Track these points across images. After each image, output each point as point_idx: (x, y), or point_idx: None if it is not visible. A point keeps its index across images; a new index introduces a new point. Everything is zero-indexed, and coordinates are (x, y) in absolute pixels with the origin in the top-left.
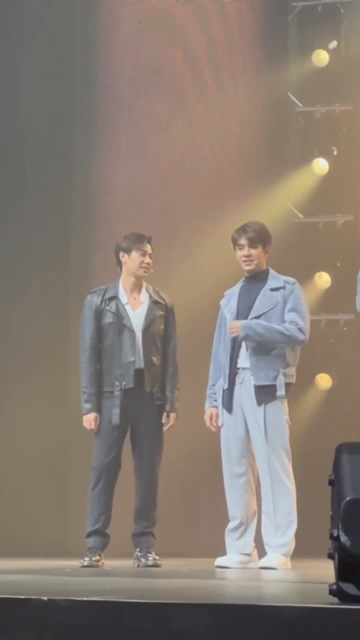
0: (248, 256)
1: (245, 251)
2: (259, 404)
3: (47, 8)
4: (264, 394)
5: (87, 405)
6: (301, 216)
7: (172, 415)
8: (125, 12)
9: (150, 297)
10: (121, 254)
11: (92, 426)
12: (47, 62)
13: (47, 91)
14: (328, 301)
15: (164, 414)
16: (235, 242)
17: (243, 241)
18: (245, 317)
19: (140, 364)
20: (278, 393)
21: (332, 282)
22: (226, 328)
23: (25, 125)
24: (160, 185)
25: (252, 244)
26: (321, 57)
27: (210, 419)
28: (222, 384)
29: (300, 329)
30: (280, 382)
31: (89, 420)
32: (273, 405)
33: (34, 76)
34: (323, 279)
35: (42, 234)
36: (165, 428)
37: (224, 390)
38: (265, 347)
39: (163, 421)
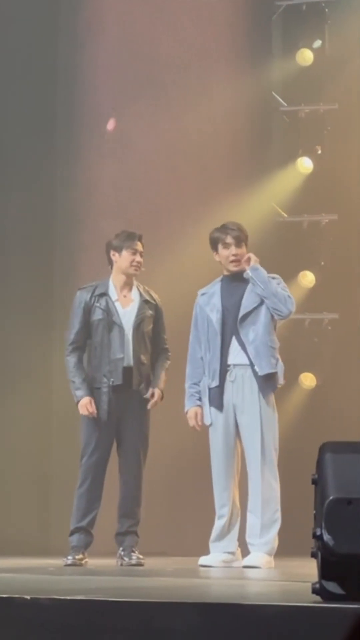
0: (236, 255)
1: (233, 250)
2: (264, 395)
3: (30, 5)
4: (269, 381)
5: (79, 392)
6: (285, 215)
7: (157, 391)
8: (109, 10)
9: (141, 295)
10: (112, 252)
11: (90, 409)
12: (30, 60)
13: (30, 90)
14: (312, 300)
15: (149, 390)
16: (220, 242)
17: (230, 240)
18: (233, 316)
19: (130, 361)
20: (281, 380)
21: (316, 281)
22: (208, 328)
23: (8, 123)
24: (145, 184)
25: (239, 243)
26: (305, 56)
27: (195, 418)
28: (209, 382)
29: (292, 302)
30: (281, 369)
31: (84, 405)
32: (267, 404)
33: (16, 74)
34: (307, 278)
35: (26, 234)
36: (149, 405)
37: (210, 389)
38: (262, 339)
39: (148, 396)
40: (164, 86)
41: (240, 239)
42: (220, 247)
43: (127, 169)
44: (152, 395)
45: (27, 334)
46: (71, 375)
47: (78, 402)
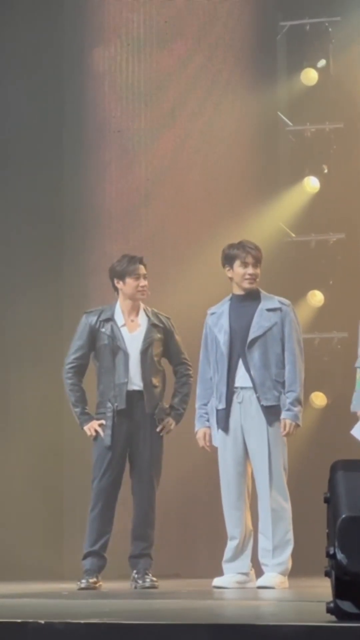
0: (252, 274)
1: (251, 269)
2: (269, 423)
3: (36, 27)
4: (272, 413)
5: (84, 417)
6: (293, 235)
7: (170, 420)
8: (115, 32)
9: (149, 319)
10: (116, 280)
11: (97, 429)
12: (37, 82)
13: (37, 114)
14: (321, 320)
15: (166, 419)
16: (238, 259)
17: (250, 259)
18: (241, 338)
19: (133, 386)
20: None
21: (325, 301)
22: (216, 350)
23: (15, 148)
24: (152, 205)
25: (256, 262)
26: (310, 76)
27: (204, 438)
28: (216, 404)
29: (300, 383)
30: (284, 402)
31: (92, 427)
32: (275, 425)
33: (22, 98)
34: (316, 298)
35: (34, 257)
36: (158, 429)
37: (218, 410)
38: (267, 369)
39: (160, 429)
40: (170, 107)
41: (258, 259)
42: (237, 264)
43: (133, 190)
44: (164, 423)
45: (38, 353)
46: (73, 400)
47: (85, 426)
